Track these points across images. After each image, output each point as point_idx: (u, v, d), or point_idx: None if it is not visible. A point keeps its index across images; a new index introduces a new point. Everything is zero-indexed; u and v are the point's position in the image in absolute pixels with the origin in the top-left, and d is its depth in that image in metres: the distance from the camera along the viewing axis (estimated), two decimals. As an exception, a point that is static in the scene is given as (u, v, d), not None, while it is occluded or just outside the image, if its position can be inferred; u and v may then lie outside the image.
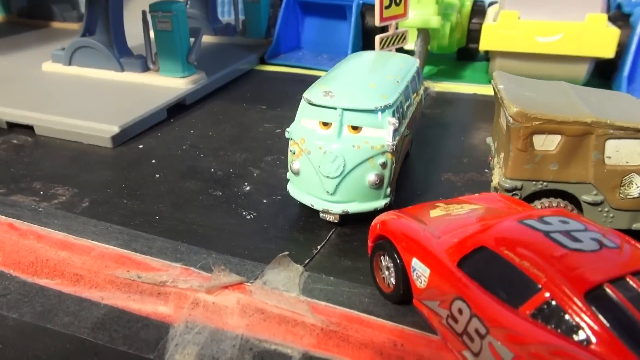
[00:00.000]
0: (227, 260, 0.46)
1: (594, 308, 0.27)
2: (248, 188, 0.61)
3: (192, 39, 0.87)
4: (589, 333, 0.26)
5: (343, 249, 0.49)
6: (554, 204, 0.47)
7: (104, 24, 0.88)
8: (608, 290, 0.27)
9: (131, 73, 0.89)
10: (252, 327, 0.38)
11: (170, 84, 0.86)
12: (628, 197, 0.45)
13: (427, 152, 0.70)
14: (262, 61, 1.08)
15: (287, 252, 0.46)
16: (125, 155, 0.69)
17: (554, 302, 0.28)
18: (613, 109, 0.45)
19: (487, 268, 0.32)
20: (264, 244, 0.49)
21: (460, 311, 0.33)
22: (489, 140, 0.57)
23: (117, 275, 0.43)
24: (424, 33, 0.90)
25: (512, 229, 0.34)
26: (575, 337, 0.27)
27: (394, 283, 0.40)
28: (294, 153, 0.52)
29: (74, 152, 0.69)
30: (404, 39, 0.79)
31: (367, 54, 0.65)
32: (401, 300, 0.40)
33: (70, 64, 0.92)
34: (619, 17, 0.91)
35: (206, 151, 0.70)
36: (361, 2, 1.03)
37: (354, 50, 1.03)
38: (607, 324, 0.26)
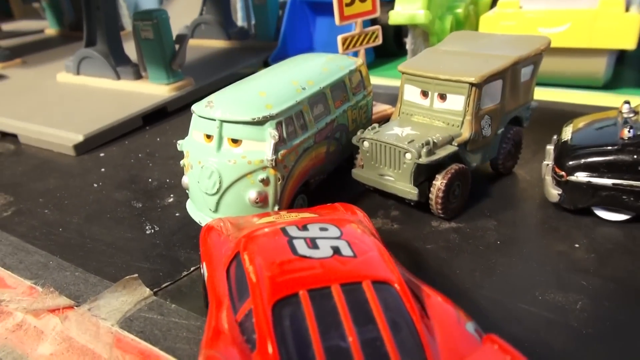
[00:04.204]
0: (85, 280, 0.44)
1: (273, 317, 0.26)
2: (171, 200, 0.59)
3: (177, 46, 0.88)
4: (256, 341, 0.26)
5: (216, 272, 0.45)
6: None
7: (101, 34, 0.91)
8: (300, 299, 0.26)
9: (126, 81, 0.91)
10: (54, 356, 0.36)
11: (154, 91, 0.87)
12: None
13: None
14: (267, 64, 1.06)
15: (136, 275, 0.43)
16: (84, 163, 0.71)
17: (251, 308, 0.27)
18: None
19: (236, 273, 0.31)
20: (140, 263, 0.47)
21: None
22: None
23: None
24: (417, 30, 0.81)
25: (267, 235, 0.32)
26: (247, 344, 0.26)
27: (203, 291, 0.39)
28: (184, 167, 0.50)
29: (40, 161, 0.72)
30: (376, 37, 0.71)
31: (302, 57, 0.59)
32: None
33: (78, 73, 0.97)
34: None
35: (158, 160, 0.70)
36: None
37: (367, 49, 0.96)
38: (275, 334, 0.25)
